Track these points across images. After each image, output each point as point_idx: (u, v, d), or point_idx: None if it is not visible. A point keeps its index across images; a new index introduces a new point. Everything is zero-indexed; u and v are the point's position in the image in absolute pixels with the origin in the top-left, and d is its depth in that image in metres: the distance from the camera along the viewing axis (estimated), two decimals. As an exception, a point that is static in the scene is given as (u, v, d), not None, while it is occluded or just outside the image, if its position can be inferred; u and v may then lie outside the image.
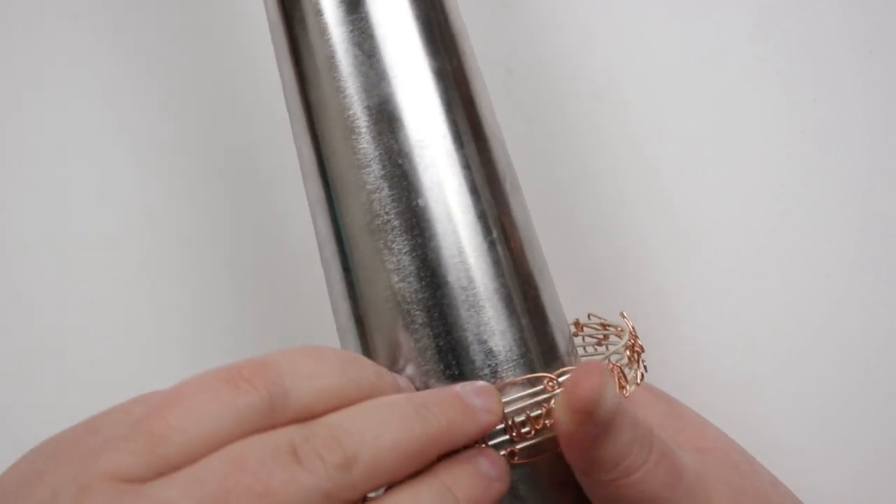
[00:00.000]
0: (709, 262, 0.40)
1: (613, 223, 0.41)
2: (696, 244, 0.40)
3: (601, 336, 0.34)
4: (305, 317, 0.41)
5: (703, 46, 0.41)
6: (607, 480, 0.27)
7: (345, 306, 0.31)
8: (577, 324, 0.35)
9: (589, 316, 0.34)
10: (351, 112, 0.29)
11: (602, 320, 0.34)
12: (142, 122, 0.42)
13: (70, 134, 0.42)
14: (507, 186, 0.30)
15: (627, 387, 0.31)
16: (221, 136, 0.42)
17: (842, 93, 0.40)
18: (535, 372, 0.29)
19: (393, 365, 0.29)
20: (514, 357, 0.29)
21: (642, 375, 0.32)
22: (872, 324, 0.39)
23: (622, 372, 0.31)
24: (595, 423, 0.26)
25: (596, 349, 0.35)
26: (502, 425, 0.28)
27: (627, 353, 0.32)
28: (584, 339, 0.35)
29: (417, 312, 0.29)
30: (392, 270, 0.29)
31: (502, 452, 0.28)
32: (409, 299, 0.29)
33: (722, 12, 0.41)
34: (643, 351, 0.33)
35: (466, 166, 0.29)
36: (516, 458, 0.28)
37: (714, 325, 0.40)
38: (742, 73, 0.41)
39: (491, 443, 0.28)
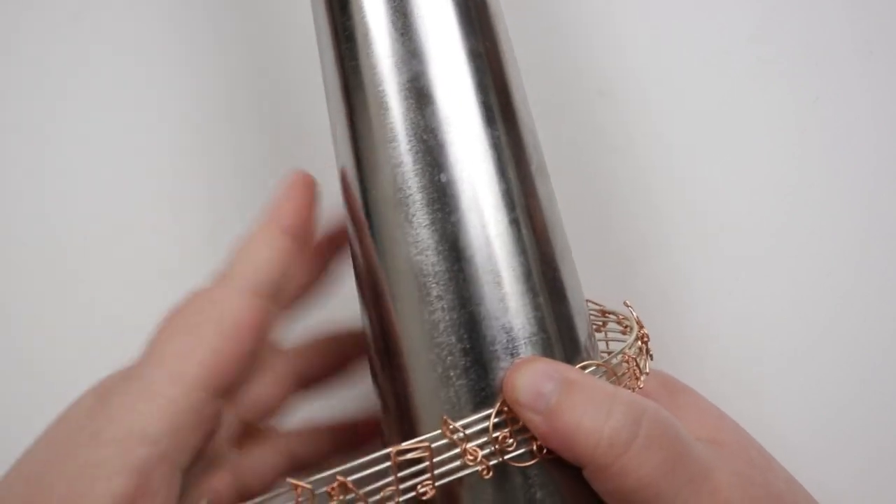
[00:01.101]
0: (712, 262, 0.40)
1: (612, 224, 0.41)
2: (698, 245, 0.41)
3: (600, 323, 0.35)
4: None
5: (706, 47, 0.41)
6: (602, 469, 0.28)
7: (369, 273, 0.31)
8: None
9: (587, 302, 0.34)
10: (382, 87, 0.30)
11: (601, 307, 0.35)
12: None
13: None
14: (533, 167, 0.31)
15: (641, 378, 0.31)
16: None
17: (844, 93, 0.40)
18: (552, 352, 0.29)
19: (411, 333, 0.30)
20: (528, 335, 0.29)
21: (648, 360, 0.32)
22: (878, 322, 0.39)
23: (637, 364, 0.31)
24: (540, 410, 0.28)
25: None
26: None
27: (639, 343, 0.32)
28: None
29: (433, 285, 0.29)
30: (411, 243, 0.30)
31: (526, 449, 0.28)
32: (425, 272, 0.29)
33: (724, 13, 0.41)
34: (648, 339, 0.33)
35: (493, 145, 0.30)
36: (544, 452, 0.29)
37: (719, 325, 0.40)
38: (745, 74, 0.41)
39: (520, 438, 0.28)
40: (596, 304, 0.35)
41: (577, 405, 0.28)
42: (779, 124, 0.40)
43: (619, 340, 0.34)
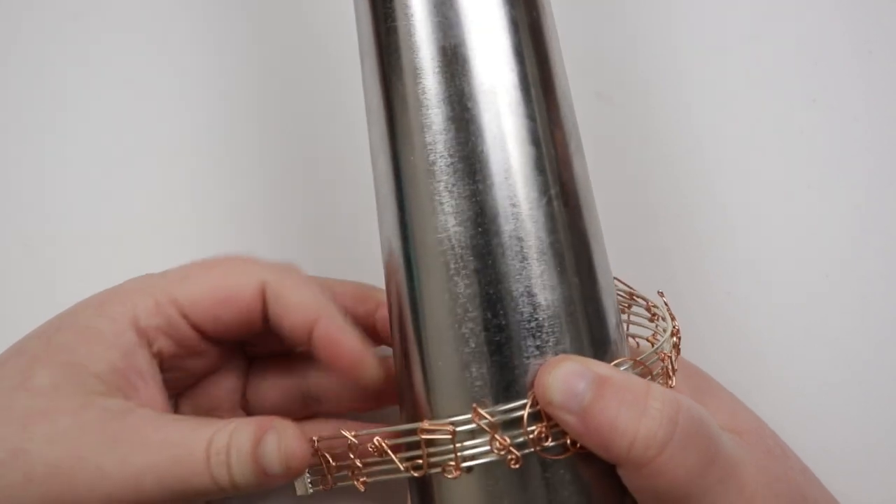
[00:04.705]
0: (709, 262, 0.40)
1: (606, 225, 0.41)
2: (695, 244, 0.41)
3: (626, 305, 0.35)
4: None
5: (704, 48, 0.42)
6: (637, 468, 0.27)
7: (396, 245, 0.30)
8: None
9: (615, 280, 0.34)
10: (423, 52, 0.29)
11: (630, 289, 0.34)
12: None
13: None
14: (572, 145, 0.31)
15: (673, 378, 0.31)
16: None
17: (842, 93, 0.41)
18: (580, 335, 0.29)
19: (440, 307, 0.29)
20: (561, 314, 0.29)
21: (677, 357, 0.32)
22: (875, 321, 0.39)
23: (671, 362, 0.31)
24: (573, 410, 0.27)
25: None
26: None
27: (673, 339, 0.32)
28: None
29: (470, 258, 0.29)
30: (450, 213, 0.29)
31: (556, 442, 0.28)
32: (463, 244, 0.29)
33: (723, 14, 0.42)
34: (679, 335, 0.32)
35: (531, 117, 0.29)
36: (578, 445, 0.28)
37: (715, 324, 0.39)
38: (743, 75, 0.41)
39: (553, 431, 0.28)
40: (625, 284, 0.34)
41: (610, 404, 0.27)
42: (777, 125, 0.41)
43: (636, 325, 0.34)
